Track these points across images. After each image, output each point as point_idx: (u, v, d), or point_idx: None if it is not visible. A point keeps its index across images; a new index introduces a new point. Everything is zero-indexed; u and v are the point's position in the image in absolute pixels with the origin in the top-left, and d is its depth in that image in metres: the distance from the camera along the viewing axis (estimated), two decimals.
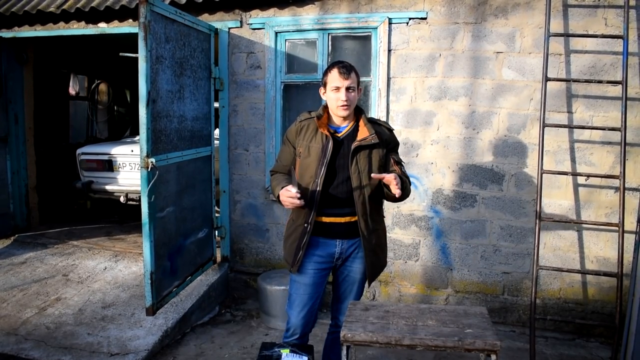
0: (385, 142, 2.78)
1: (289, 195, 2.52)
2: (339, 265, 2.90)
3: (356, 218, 2.74)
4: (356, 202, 2.71)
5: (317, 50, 4.63)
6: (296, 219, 2.82)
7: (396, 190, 2.46)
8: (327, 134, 2.71)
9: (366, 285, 2.98)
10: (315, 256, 2.81)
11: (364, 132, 2.71)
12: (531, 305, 3.87)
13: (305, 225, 2.75)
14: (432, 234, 4.49)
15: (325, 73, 2.71)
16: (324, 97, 2.78)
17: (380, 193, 2.71)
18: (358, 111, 2.81)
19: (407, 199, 4.44)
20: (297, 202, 2.52)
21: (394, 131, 2.89)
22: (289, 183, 2.65)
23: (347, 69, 2.62)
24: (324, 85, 2.72)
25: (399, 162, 2.78)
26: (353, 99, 2.67)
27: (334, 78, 2.63)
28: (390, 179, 2.47)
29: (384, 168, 2.74)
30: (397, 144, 2.89)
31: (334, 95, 2.65)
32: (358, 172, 2.69)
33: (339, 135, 2.76)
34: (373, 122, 2.80)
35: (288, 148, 2.86)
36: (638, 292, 3.43)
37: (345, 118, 2.74)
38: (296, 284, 2.85)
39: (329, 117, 2.78)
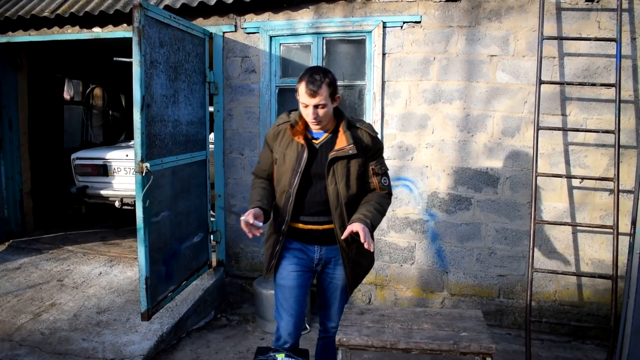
0: (365, 149, 2.64)
1: (246, 225, 2.46)
2: (320, 271, 2.83)
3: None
4: (333, 213, 2.63)
5: (312, 54, 4.64)
6: (272, 227, 2.78)
7: (367, 246, 2.40)
8: (303, 143, 2.60)
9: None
10: (295, 258, 2.75)
11: (342, 141, 2.59)
12: (527, 307, 3.88)
13: (278, 234, 2.70)
14: (427, 237, 4.49)
15: (297, 82, 2.54)
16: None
17: (360, 201, 2.67)
18: (338, 114, 2.68)
19: (403, 201, 4.46)
20: (255, 233, 2.47)
21: (377, 136, 2.74)
22: (259, 204, 2.61)
23: (315, 87, 2.44)
24: (297, 91, 2.56)
25: (379, 173, 2.69)
26: (324, 114, 2.53)
27: (302, 94, 2.49)
28: (359, 231, 2.40)
29: (363, 177, 2.67)
30: (379, 149, 2.73)
31: (304, 110, 2.54)
32: (335, 183, 2.60)
33: (317, 142, 2.66)
34: (354, 127, 2.66)
35: (267, 151, 2.77)
36: (633, 294, 3.43)
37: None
38: (281, 288, 2.76)
39: (306, 122, 2.63)
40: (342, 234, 2.60)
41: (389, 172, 2.80)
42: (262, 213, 2.57)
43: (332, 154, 2.57)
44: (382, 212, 2.65)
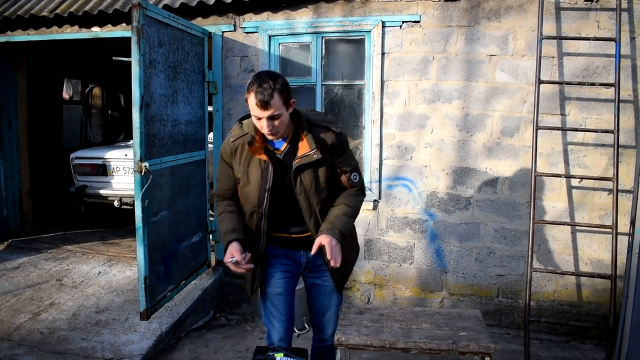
0: (330, 148, 2.46)
1: (236, 266, 2.36)
2: (307, 276, 2.72)
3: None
4: (308, 222, 2.49)
5: (311, 54, 4.64)
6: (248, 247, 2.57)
7: (333, 263, 2.30)
8: (266, 159, 2.41)
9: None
10: (281, 265, 2.63)
11: (304, 147, 2.39)
12: (526, 307, 3.88)
13: (256, 254, 2.55)
14: (426, 237, 4.49)
15: (246, 91, 2.29)
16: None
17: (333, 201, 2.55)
18: (296, 117, 2.45)
19: (402, 201, 4.46)
20: (248, 269, 2.39)
21: (340, 130, 2.53)
22: (234, 235, 2.45)
23: (265, 97, 2.21)
24: (247, 100, 2.30)
25: (347, 170, 2.52)
26: (280, 124, 2.31)
27: (253, 106, 2.25)
28: (325, 246, 2.31)
29: (332, 178, 2.51)
30: (344, 144, 2.53)
31: (258, 122, 2.31)
32: (305, 192, 2.44)
33: (279, 152, 2.47)
34: (315, 127, 2.45)
35: (226, 169, 2.55)
36: (632, 294, 3.43)
37: None
38: (270, 296, 2.64)
39: (263, 134, 2.39)
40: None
41: (359, 169, 2.65)
42: (241, 247, 2.41)
43: (295, 163, 2.40)
44: (353, 214, 2.53)
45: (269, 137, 2.37)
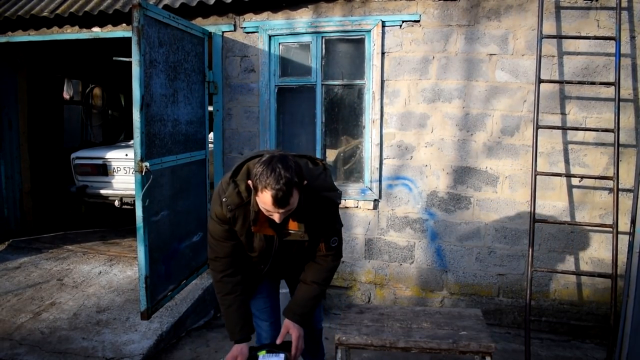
0: (321, 225, 2.34)
1: None
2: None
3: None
4: (287, 271, 2.64)
5: (311, 54, 4.64)
6: (231, 285, 2.46)
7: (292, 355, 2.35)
8: (272, 233, 2.29)
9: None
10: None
11: (294, 225, 2.26)
12: (526, 306, 3.88)
13: (241, 294, 2.48)
14: (426, 237, 4.49)
15: (257, 181, 2.02)
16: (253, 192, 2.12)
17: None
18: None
19: (402, 200, 4.46)
20: None
21: (339, 204, 2.39)
22: (243, 335, 2.41)
23: (284, 198, 1.99)
24: (255, 189, 2.06)
25: (329, 237, 2.40)
26: (291, 211, 2.12)
27: (266, 203, 2.02)
28: (292, 339, 2.37)
29: (314, 247, 2.43)
30: (336, 215, 2.42)
31: (266, 212, 2.09)
32: (290, 255, 2.44)
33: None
34: (314, 197, 2.23)
35: (224, 230, 2.34)
36: (632, 293, 3.43)
37: None
38: (255, 301, 2.66)
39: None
40: (292, 280, 2.67)
41: (341, 232, 2.51)
42: (248, 350, 2.39)
43: (284, 233, 2.30)
44: (323, 292, 2.51)
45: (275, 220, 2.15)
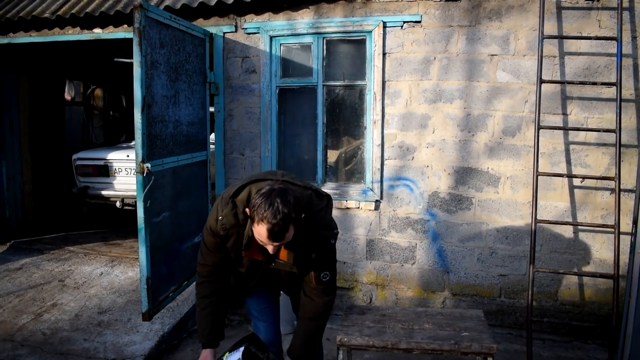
0: (313, 260, 2.32)
1: None
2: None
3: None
4: (285, 286, 2.65)
5: (312, 54, 4.64)
6: (211, 287, 2.51)
7: None
8: (262, 258, 2.31)
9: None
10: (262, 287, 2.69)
11: (284, 255, 2.26)
12: (528, 307, 3.87)
13: (222, 300, 2.53)
14: (428, 237, 4.49)
15: (254, 212, 2.03)
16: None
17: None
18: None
19: (404, 201, 4.46)
20: None
21: (334, 245, 2.37)
22: (214, 335, 2.47)
23: (279, 233, 2.01)
24: (251, 219, 2.07)
25: (321, 270, 2.36)
26: (285, 243, 2.14)
27: (261, 235, 2.04)
28: None
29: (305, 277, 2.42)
30: (330, 255, 2.39)
31: (260, 242, 2.12)
32: (280, 279, 2.51)
33: None
34: (311, 232, 2.23)
35: (217, 244, 2.36)
36: (634, 294, 3.43)
37: None
38: (254, 301, 2.70)
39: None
40: (292, 294, 2.68)
41: (335, 267, 2.48)
42: (215, 355, 2.47)
43: (274, 264, 2.35)
44: (322, 325, 2.48)
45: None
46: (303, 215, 2.12)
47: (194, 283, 4.57)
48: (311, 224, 2.22)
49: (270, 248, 2.10)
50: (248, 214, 2.10)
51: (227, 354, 2.40)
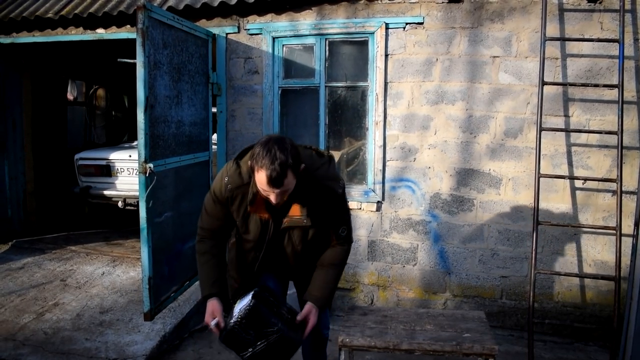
0: (325, 212, 2.37)
1: (215, 326, 2.34)
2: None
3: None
4: (292, 267, 2.55)
5: (315, 55, 4.64)
6: (232, 274, 2.59)
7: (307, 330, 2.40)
8: (268, 216, 2.35)
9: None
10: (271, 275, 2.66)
11: (295, 210, 2.32)
12: (529, 309, 3.88)
13: (234, 285, 2.57)
14: (430, 238, 4.49)
15: (254, 162, 2.10)
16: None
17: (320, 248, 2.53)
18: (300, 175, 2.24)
19: (405, 202, 4.46)
20: (216, 333, 2.36)
21: (343, 192, 2.41)
22: (215, 290, 2.42)
23: (278, 179, 2.06)
24: (252, 170, 2.15)
25: (337, 227, 2.46)
26: (287, 194, 2.20)
27: (262, 183, 2.10)
28: (308, 318, 2.40)
29: (322, 233, 2.47)
30: (342, 204, 2.45)
31: (264, 192, 2.16)
32: (292, 246, 2.46)
33: (277, 206, 2.31)
34: (316, 185, 2.30)
35: (220, 208, 2.42)
36: (636, 296, 3.43)
37: None
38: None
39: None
40: (300, 280, 2.63)
41: (350, 219, 2.55)
42: (221, 304, 2.42)
43: (285, 222, 2.36)
44: (340, 275, 2.54)
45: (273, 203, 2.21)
46: (303, 165, 2.18)
47: (196, 282, 4.61)
48: (314, 177, 2.30)
49: (272, 197, 2.14)
50: (249, 166, 2.16)
51: (237, 301, 2.39)
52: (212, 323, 2.34)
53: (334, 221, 2.45)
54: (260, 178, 2.09)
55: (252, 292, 2.34)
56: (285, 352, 2.36)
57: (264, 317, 2.31)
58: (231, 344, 2.33)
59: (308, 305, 2.43)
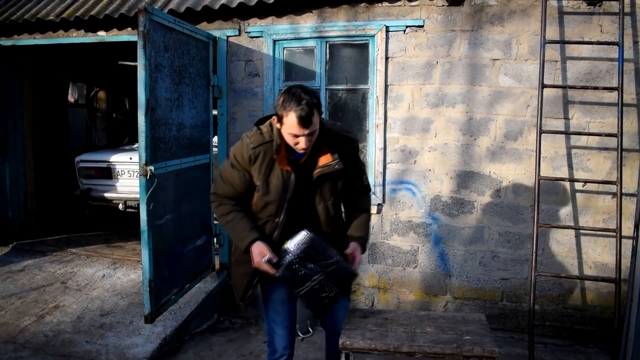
0: (349, 157, 2.50)
1: (267, 262, 2.34)
2: None
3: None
4: (325, 230, 2.51)
5: (315, 58, 4.66)
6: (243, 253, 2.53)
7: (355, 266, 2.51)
8: (289, 169, 2.40)
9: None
10: None
11: (326, 157, 2.41)
12: (530, 311, 3.88)
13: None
14: (430, 241, 4.50)
15: (281, 109, 2.25)
16: (277, 126, 2.35)
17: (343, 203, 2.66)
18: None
19: (406, 205, 4.46)
20: (270, 271, 2.35)
21: (357, 141, 2.60)
22: (258, 234, 2.42)
23: (307, 117, 2.20)
24: (279, 119, 2.29)
25: (361, 174, 2.62)
26: (314, 139, 2.33)
27: (292, 125, 2.22)
28: (354, 255, 2.50)
29: (348, 185, 2.56)
30: (358, 150, 2.62)
31: (292, 139, 2.29)
32: (324, 202, 2.48)
33: (300, 161, 2.45)
34: (335, 137, 2.46)
35: (240, 174, 2.46)
36: (636, 298, 3.43)
37: None
38: (273, 302, 2.65)
39: (286, 144, 2.37)
40: (333, 239, 2.59)
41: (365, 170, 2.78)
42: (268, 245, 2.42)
43: (316, 173, 2.42)
44: (369, 224, 2.68)
45: (301, 152, 2.35)
46: (322, 109, 2.32)
47: (197, 285, 4.61)
48: (332, 132, 2.47)
49: (303, 141, 2.26)
50: (275, 122, 2.33)
51: (286, 242, 2.41)
52: (264, 259, 2.34)
53: (358, 169, 2.60)
54: (291, 121, 2.21)
55: (302, 231, 2.38)
56: (343, 283, 2.48)
57: (322, 248, 2.39)
58: (288, 280, 2.38)
59: (353, 244, 2.53)
